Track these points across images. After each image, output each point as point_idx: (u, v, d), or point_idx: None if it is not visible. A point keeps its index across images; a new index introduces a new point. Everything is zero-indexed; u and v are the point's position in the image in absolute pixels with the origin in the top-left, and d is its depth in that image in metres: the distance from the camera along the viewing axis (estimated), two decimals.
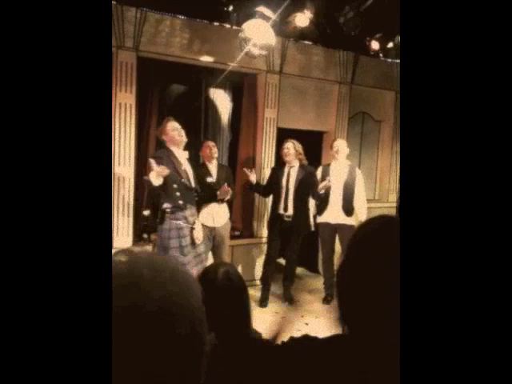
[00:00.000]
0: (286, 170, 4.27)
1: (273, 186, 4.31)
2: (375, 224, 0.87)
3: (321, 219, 4.49)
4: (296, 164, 4.26)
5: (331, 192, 4.37)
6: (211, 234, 4.02)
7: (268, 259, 4.40)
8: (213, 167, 4.12)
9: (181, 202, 3.31)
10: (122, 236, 3.93)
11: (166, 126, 3.35)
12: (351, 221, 4.40)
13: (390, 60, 5.23)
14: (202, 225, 3.93)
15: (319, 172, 4.53)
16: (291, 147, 4.22)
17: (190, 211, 3.38)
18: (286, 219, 4.24)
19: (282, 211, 4.25)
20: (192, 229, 3.38)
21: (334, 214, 4.39)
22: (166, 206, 3.30)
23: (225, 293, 1.39)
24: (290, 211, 4.23)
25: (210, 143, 4.15)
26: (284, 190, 4.23)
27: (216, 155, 4.16)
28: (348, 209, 4.41)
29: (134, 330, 0.51)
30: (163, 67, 4.27)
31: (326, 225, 4.44)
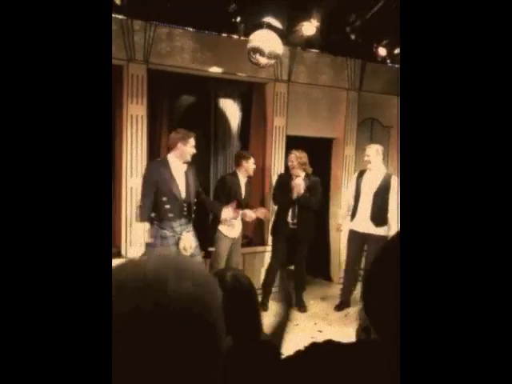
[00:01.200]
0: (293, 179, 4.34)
1: (281, 193, 4.35)
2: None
3: (351, 226, 4.46)
4: (302, 174, 4.31)
5: (360, 201, 4.32)
6: (230, 243, 4.12)
7: (273, 266, 4.43)
8: (243, 181, 4.17)
9: (170, 215, 3.35)
10: (136, 246, 3.97)
11: (190, 140, 3.38)
12: (382, 231, 4.20)
13: (397, 66, 5.24)
14: (224, 235, 4.03)
15: (354, 178, 4.52)
16: (294, 160, 4.28)
17: (178, 222, 3.39)
18: (292, 226, 4.30)
19: (289, 219, 4.31)
20: (178, 239, 3.38)
21: (361, 223, 4.30)
22: (154, 215, 3.37)
23: (234, 294, 1.40)
24: (296, 219, 4.30)
25: (253, 159, 4.18)
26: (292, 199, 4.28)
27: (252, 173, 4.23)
28: (378, 219, 4.22)
29: (158, 328, 0.52)
30: (173, 79, 4.33)
31: (354, 233, 4.38)
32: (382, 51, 4.68)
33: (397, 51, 4.73)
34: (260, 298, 4.41)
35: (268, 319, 3.91)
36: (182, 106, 4.63)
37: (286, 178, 4.40)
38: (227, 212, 3.65)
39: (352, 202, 4.45)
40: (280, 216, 4.38)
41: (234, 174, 4.17)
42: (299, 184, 4.20)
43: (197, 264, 0.64)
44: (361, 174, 4.46)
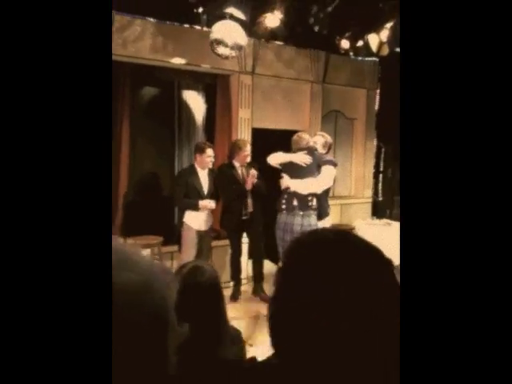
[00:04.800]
0: (240, 170, 4.22)
1: (231, 186, 4.20)
2: (307, 240, 0.76)
3: None
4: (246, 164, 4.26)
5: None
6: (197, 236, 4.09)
7: (234, 258, 4.42)
8: (202, 174, 4.17)
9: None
10: None
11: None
12: (324, 223, 4.02)
13: (360, 58, 5.32)
14: (189, 227, 4.04)
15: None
16: (249, 150, 4.21)
17: None
18: (245, 217, 4.22)
19: (249, 208, 4.22)
20: None
21: None
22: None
23: (194, 286, 1.46)
24: (250, 208, 4.23)
25: (210, 151, 4.11)
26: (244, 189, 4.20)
27: None
28: (319, 213, 3.98)
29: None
30: (135, 70, 4.24)
31: None
32: (345, 43, 4.73)
33: (359, 43, 4.79)
34: (231, 291, 4.43)
35: (240, 315, 3.92)
36: (145, 97, 4.55)
37: (228, 169, 4.24)
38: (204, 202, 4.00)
39: None
40: (232, 208, 4.22)
41: (192, 167, 4.11)
42: (254, 174, 4.15)
43: (141, 254, 0.64)
44: None
